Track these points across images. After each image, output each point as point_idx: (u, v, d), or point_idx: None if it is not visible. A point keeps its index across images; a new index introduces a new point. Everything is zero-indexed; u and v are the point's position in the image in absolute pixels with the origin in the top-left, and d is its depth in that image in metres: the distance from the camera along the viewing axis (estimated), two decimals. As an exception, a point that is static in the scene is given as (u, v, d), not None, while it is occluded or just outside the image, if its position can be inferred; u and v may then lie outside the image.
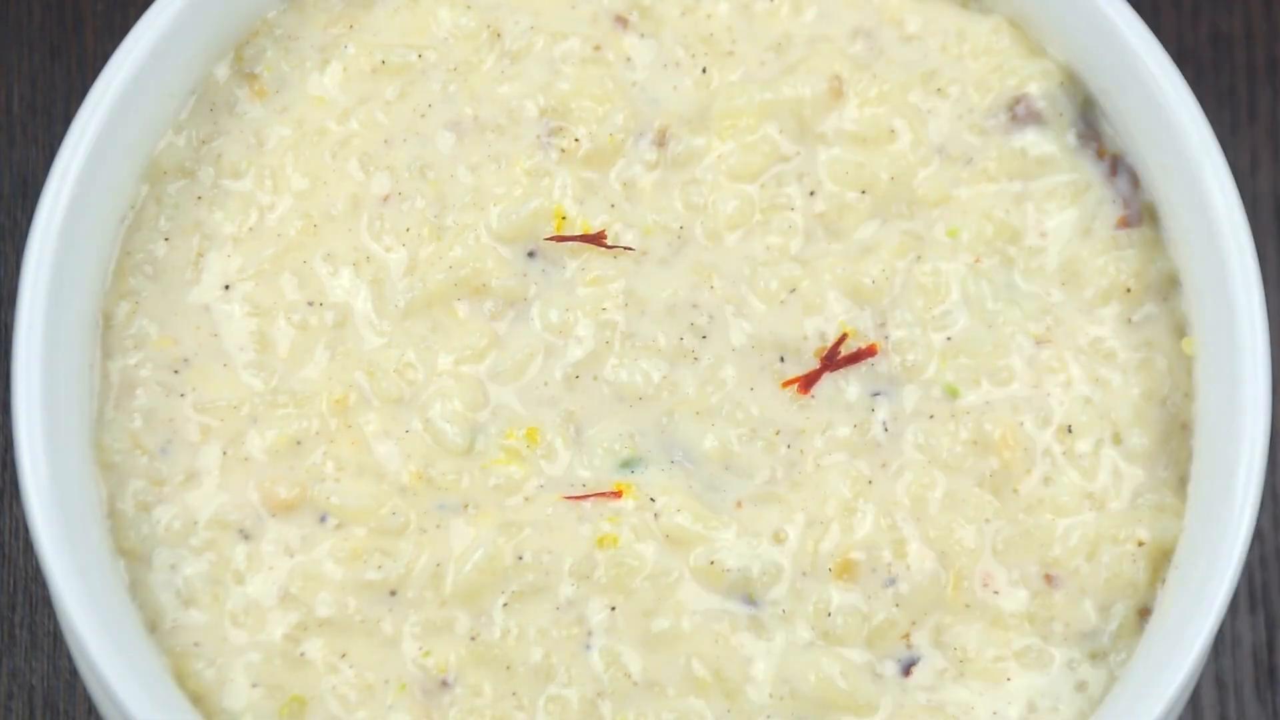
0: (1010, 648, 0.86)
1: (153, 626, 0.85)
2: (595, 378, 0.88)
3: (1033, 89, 0.91)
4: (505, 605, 0.86)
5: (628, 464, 0.87)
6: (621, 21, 0.92)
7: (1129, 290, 0.90)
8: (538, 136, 0.91)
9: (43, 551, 0.83)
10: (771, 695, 0.85)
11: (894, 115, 0.91)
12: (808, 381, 0.88)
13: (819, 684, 0.85)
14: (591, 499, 0.87)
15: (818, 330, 0.89)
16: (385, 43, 0.92)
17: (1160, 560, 0.87)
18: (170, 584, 0.86)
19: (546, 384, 0.88)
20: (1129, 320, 0.90)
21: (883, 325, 0.89)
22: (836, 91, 0.91)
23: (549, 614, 0.86)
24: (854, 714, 0.85)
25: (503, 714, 0.84)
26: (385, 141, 0.91)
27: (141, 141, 0.90)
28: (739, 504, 0.87)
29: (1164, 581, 0.87)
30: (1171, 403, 0.89)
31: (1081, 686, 0.86)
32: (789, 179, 0.91)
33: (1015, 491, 0.88)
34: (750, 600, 0.86)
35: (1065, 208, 0.91)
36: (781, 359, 0.89)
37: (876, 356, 0.89)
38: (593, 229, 0.89)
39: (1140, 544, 0.87)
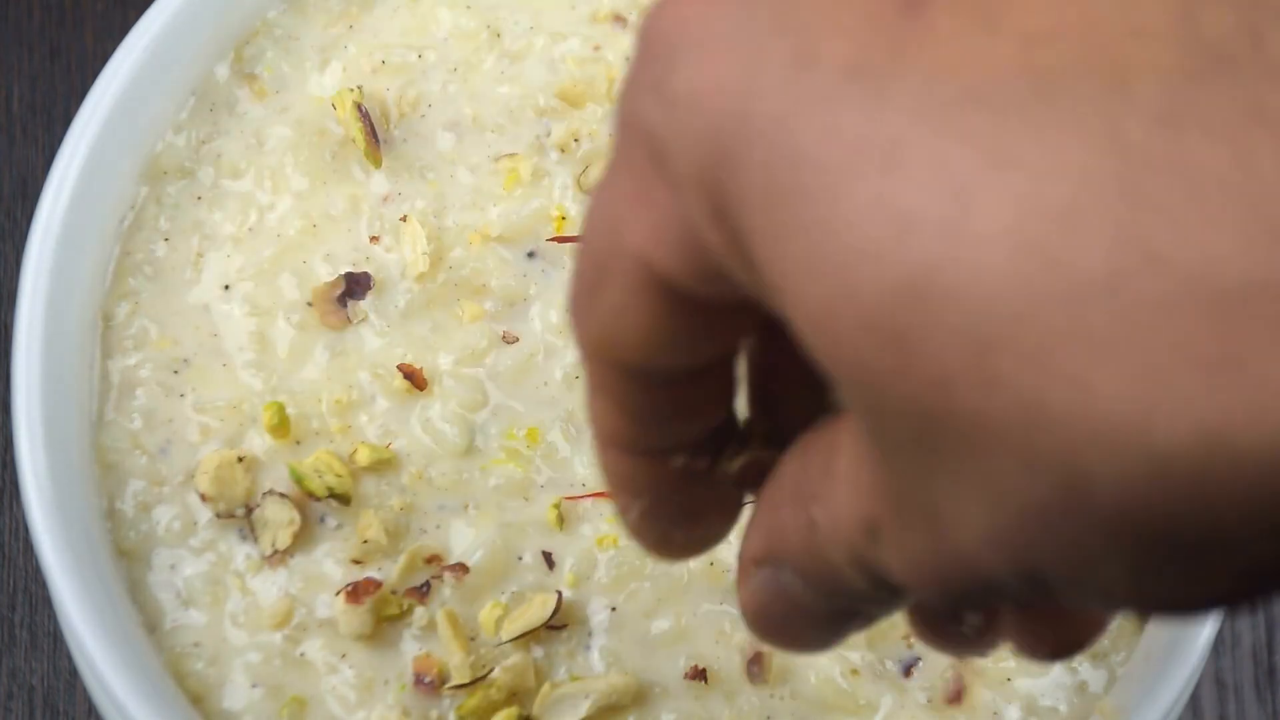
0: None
1: (152, 626, 0.85)
2: (595, 378, 0.88)
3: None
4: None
5: (628, 464, 0.87)
6: (621, 21, 0.92)
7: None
8: (537, 136, 0.91)
9: (43, 551, 0.83)
10: (771, 695, 0.85)
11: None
12: (808, 381, 0.88)
13: (819, 684, 0.85)
14: (591, 499, 0.87)
15: (818, 330, 0.89)
16: (385, 43, 0.92)
17: (1160, 560, 0.87)
18: (170, 584, 0.86)
19: (546, 384, 0.88)
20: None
21: (883, 325, 0.89)
22: (836, 91, 0.91)
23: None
24: (854, 714, 0.85)
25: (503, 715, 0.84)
26: (385, 141, 0.91)
27: (141, 141, 0.90)
28: (739, 504, 0.87)
29: (1164, 581, 0.87)
30: (1171, 403, 0.89)
31: (1081, 686, 0.86)
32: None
33: (1015, 491, 0.88)
34: (750, 600, 0.86)
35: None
36: (781, 359, 0.89)
37: (876, 356, 0.89)
38: (593, 229, 0.89)
39: (1140, 544, 0.87)
